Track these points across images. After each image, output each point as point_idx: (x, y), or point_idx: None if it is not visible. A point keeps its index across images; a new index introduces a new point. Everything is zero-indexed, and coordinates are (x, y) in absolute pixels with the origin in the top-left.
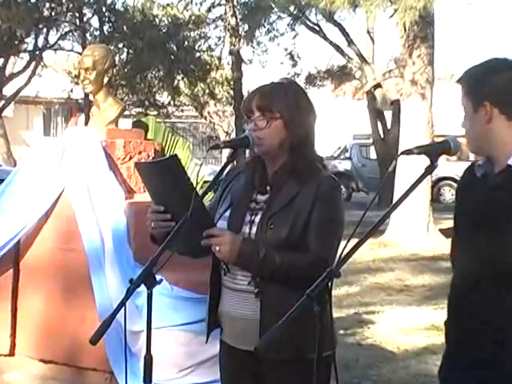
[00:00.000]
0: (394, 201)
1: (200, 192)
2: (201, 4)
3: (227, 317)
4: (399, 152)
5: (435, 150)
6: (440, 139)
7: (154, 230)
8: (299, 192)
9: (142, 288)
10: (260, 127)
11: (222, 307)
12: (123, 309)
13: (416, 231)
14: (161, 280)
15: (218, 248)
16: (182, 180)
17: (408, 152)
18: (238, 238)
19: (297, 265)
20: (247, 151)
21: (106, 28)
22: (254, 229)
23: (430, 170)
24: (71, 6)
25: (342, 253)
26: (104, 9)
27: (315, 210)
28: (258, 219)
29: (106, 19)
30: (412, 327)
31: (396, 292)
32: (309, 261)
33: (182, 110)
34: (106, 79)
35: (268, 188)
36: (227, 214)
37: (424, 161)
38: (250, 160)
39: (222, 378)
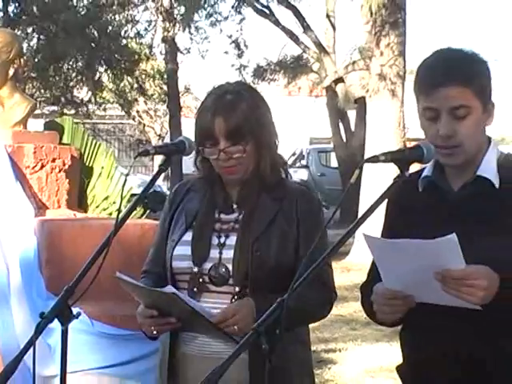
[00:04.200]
0: (359, 217)
1: (127, 207)
2: None
3: (196, 358)
4: (364, 159)
5: (405, 157)
6: (412, 143)
7: (156, 334)
8: (278, 210)
9: (56, 324)
10: (236, 157)
11: (186, 347)
12: (32, 349)
13: None
14: (78, 314)
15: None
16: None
17: (374, 159)
18: (249, 304)
19: (315, 306)
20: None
21: (11, 9)
22: (229, 253)
23: (399, 180)
24: None
25: (296, 279)
26: None
27: (303, 233)
28: (231, 242)
29: None
30: (380, 367)
31: (362, 326)
32: (326, 298)
33: (105, 109)
34: (11, 71)
35: (235, 206)
36: (185, 237)
37: (395, 169)
38: (205, 176)
39: None
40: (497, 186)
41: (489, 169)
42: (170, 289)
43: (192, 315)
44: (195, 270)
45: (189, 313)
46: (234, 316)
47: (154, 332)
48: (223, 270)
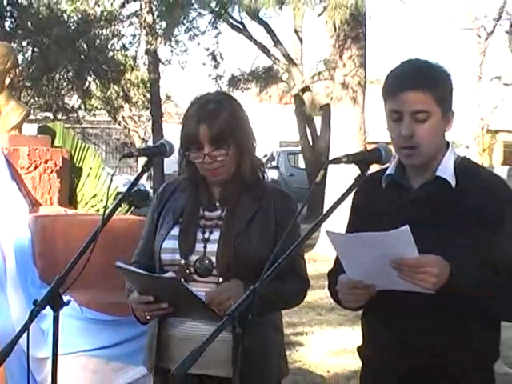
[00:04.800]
0: (324, 212)
1: (113, 204)
2: None
3: (182, 340)
4: (328, 160)
5: (365, 158)
6: (373, 146)
7: (149, 320)
8: (258, 208)
9: (48, 310)
10: (219, 160)
11: (173, 330)
12: (26, 333)
13: None
14: (68, 301)
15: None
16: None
17: (336, 161)
18: (237, 282)
19: (289, 294)
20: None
21: (7, 24)
22: (212, 247)
23: (359, 180)
24: None
25: (267, 269)
26: (5, 2)
27: (280, 229)
28: (215, 237)
29: (8, 14)
30: (343, 349)
31: (326, 311)
32: (300, 287)
33: (95, 115)
34: (7, 80)
35: (217, 204)
36: (172, 232)
37: (357, 169)
38: (190, 177)
39: None
40: (453, 185)
41: (446, 170)
42: (170, 274)
43: (189, 299)
44: (182, 262)
45: (185, 297)
46: (225, 292)
47: (148, 317)
48: (207, 262)
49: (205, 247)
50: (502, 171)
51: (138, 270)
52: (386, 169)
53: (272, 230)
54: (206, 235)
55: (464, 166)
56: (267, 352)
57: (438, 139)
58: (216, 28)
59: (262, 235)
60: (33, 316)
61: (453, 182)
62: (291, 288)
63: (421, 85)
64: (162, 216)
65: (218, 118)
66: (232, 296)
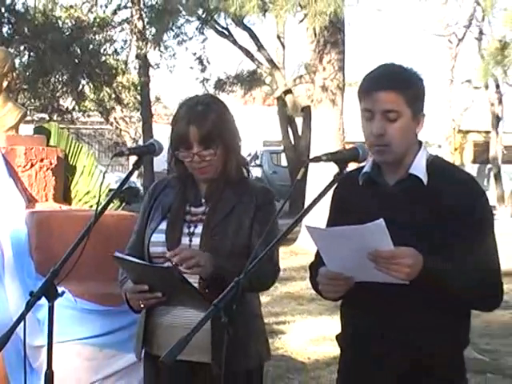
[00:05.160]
0: (305, 208)
1: (105, 200)
2: (106, 6)
3: (168, 328)
4: (309, 159)
5: (344, 157)
6: (351, 146)
7: (142, 308)
8: (237, 202)
9: (44, 301)
10: (208, 159)
11: (160, 318)
12: (23, 322)
13: None
14: (63, 292)
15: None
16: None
17: (316, 159)
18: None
19: (264, 276)
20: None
21: (5, 30)
22: (196, 240)
23: (338, 177)
24: None
25: (249, 262)
26: (3, 9)
27: (257, 221)
28: (198, 231)
29: (6, 20)
30: (323, 337)
31: (307, 301)
32: (273, 271)
33: (88, 116)
34: (5, 83)
35: (203, 200)
36: (161, 227)
37: (336, 167)
38: (179, 175)
39: None
40: (425, 183)
41: (419, 168)
42: (168, 264)
43: (184, 288)
44: (167, 254)
45: (180, 286)
46: (189, 251)
47: (141, 306)
48: None
49: (190, 240)
50: (472, 169)
51: (135, 260)
52: (363, 167)
53: (250, 221)
54: (191, 229)
55: (436, 164)
56: (248, 338)
57: (408, 138)
58: (203, 34)
59: (239, 227)
60: (29, 306)
61: (425, 180)
62: (265, 271)
63: (392, 86)
64: (153, 212)
65: (206, 120)
66: (195, 256)
